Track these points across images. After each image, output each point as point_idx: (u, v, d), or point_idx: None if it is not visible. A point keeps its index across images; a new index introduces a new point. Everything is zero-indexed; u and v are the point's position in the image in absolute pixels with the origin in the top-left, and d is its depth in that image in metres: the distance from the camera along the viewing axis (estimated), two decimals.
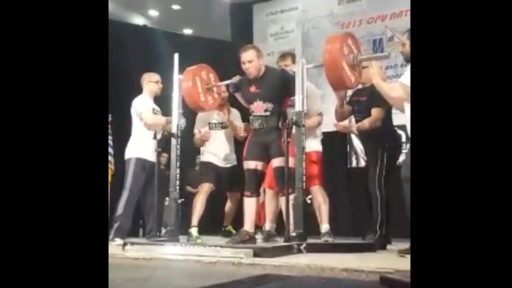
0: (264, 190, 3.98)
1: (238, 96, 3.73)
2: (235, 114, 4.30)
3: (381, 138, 3.47)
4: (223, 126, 4.22)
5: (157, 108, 4.20)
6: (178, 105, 3.79)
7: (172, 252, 2.93)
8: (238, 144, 4.22)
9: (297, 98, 3.21)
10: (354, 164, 5.35)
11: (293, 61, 3.84)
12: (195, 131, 4.17)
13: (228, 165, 4.24)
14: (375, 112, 3.42)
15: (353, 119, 3.62)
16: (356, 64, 3.19)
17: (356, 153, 5.33)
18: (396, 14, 5.25)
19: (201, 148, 4.28)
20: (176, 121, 3.73)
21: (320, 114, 3.77)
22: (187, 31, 6.22)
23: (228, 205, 4.39)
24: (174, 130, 3.71)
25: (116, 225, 3.93)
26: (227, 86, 3.81)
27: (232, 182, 4.21)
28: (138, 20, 5.94)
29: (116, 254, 3.03)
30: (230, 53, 5.89)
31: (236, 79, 3.67)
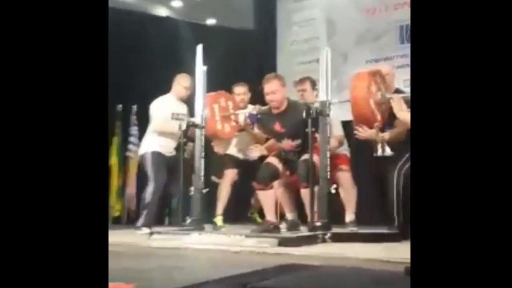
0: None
1: (257, 127, 3.64)
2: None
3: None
4: (240, 129, 4.04)
5: (180, 111, 3.90)
6: (202, 96, 3.79)
7: (197, 241, 2.97)
8: None
9: (321, 87, 3.18)
10: (380, 152, 5.28)
11: (313, 86, 3.75)
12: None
13: (249, 159, 4.13)
14: (398, 123, 3.22)
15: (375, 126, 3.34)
16: (383, 102, 3.11)
17: (382, 142, 5.26)
18: None
19: None
20: (201, 111, 3.74)
21: (341, 136, 3.74)
22: (210, 21, 6.22)
23: (255, 198, 4.33)
24: (198, 120, 3.72)
25: (144, 214, 3.99)
26: (247, 118, 3.68)
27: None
28: (161, 11, 5.97)
29: (142, 243, 3.10)
30: (253, 42, 5.88)
31: (255, 110, 3.59)
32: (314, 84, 3.76)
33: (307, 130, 3.17)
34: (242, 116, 3.87)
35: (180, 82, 4.10)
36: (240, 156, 4.18)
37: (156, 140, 4.03)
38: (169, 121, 3.74)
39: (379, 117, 3.12)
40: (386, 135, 3.29)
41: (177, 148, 3.94)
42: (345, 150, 3.91)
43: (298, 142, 3.37)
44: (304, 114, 3.17)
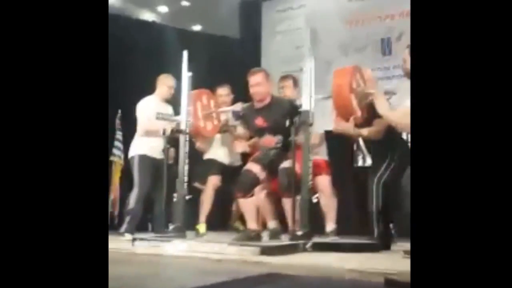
0: None
1: (239, 124, 3.65)
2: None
3: (391, 148, 3.30)
4: (224, 129, 4.09)
5: (165, 111, 4.04)
6: (186, 102, 3.80)
7: (179, 248, 2.97)
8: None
9: (304, 97, 3.22)
10: (360, 163, 5.36)
11: (295, 84, 3.78)
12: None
13: (233, 164, 4.20)
14: (377, 122, 3.23)
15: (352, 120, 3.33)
16: (363, 98, 3.12)
17: (362, 152, 5.34)
18: (405, 13, 5.23)
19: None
20: (185, 117, 3.75)
21: (323, 133, 3.78)
22: (196, 28, 6.24)
23: (236, 205, 4.36)
24: (182, 126, 3.73)
25: (127, 220, 3.98)
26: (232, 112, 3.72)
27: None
28: (147, 16, 5.96)
29: (124, 249, 3.09)
30: (238, 50, 5.91)
31: (238, 106, 3.62)
32: (296, 82, 3.79)
33: (287, 124, 3.17)
34: (224, 115, 3.90)
35: (164, 82, 4.17)
36: (224, 161, 4.19)
37: (144, 141, 4.05)
38: (154, 121, 3.82)
39: (359, 112, 3.13)
40: (364, 131, 3.28)
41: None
42: (324, 155, 3.91)
43: (279, 137, 3.35)
44: (286, 110, 3.23)
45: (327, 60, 5.20)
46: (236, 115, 3.60)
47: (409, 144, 3.39)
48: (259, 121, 3.40)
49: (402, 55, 3.10)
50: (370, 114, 3.19)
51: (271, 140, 3.37)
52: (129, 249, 3.11)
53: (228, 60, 5.54)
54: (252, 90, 3.39)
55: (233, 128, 3.94)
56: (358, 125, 3.25)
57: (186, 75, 3.81)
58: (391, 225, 3.39)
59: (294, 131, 3.19)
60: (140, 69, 5.07)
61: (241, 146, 3.79)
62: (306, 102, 3.20)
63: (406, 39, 5.07)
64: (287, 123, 3.25)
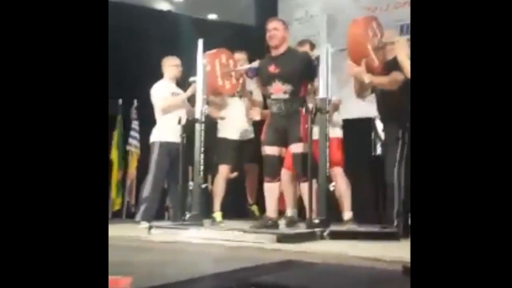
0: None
1: (256, 81, 3.68)
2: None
3: (402, 118, 3.14)
4: (240, 95, 4.10)
5: (178, 91, 4.23)
6: (202, 90, 3.79)
7: (196, 236, 2.98)
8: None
9: (322, 84, 3.18)
10: (379, 151, 5.30)
11: (311, 48, 3.78)
12: (210, 99, 4.04)
13: (246, 138, 4.15)
14: (394, 74, 3.13)
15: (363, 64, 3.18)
16: (380, 47, 3.14)
17: (381, 140, 5.27)
18: None
19: (218, 123, 4.19)
20: (200, 106, 3.74)
21: (338, 99, 3.71)
22: (212, 16, 6.21)
23: (248, 180, 4.35)
24: (198, 115, 3.73)
25: (142, 208, 4.01)
26: (246, 72, 3.75)
27: (250, 156, 4.14)
28: (162, 5, 5.95)
29: (141, 237, 3.11)
30: (254, 38, 5.87)
31: (255, 64, 3.64)
32: (313, 46, 3.81)
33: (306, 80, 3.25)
34: (241, 80, 3.88)
35: (169, 63, 4.27)
36: (236, 137, 4.12)
37: (166, 126, 4.06)
38: (171, 97, 4.08)
39: (376, 62, 3.10)
40: (379, 79, 3.16)
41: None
42: (339, 134, 3.82)
43: (288, 87, 3.32)
44: (300, 61, 3.32)
45: (344, 47, 5.13)
46: (253, 73, 3.60)
47: None
48: (272, 68, 3.40)
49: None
50: (387, 67, 3.16)
51: (280, 88, 3.33)
52: (146, 237, 3.12)
53: (245, 49, 5.51)
54: (268, 35, 3.41)
55: (249, 94, 3.97)
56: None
57: (201, 63, 3.81)
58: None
59: (310, 118, 3.14)
60: (156, 58, 5.08)
61: (256, 113, 3.84)
62: (323, 89, 3.16)
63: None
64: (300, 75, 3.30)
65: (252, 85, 3.95)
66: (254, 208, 4.36)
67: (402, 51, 2.95)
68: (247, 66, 3.82)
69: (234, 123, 4.13)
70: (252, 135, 4.22)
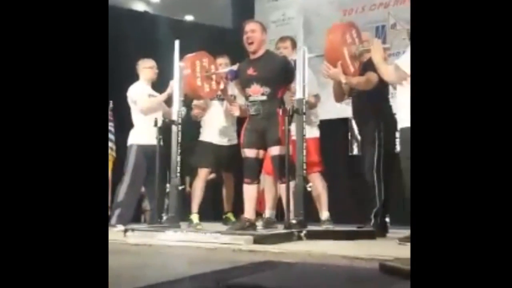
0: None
1: (235, 84, 3.67)
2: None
3: (378, 120, 3.31)
4: (221, 98, 4.07)
5: (154, 93, 4.21)
6: (178, 92, 3.76)
7: (173, 238, 2.94)
8: (239, 120, 4.04)
9: (298, 86, 3.18)
10: (355, 151, 5.35)
11: (293, 46, 3.76)
12: (194, 103, 4.08)
13: (228, 144, 4.12)
14: (369, 74, 3.22)
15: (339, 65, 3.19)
16: (357, 55, 3.16)
17: (357, 141, 5.33)
18: (399, 1, 5.20)
19: (201, 126, 4.19)
20: (177, 108, 3.72)
21: (316, 96, 3.73)
22: (189, 18, 6.18)
23: (225, 189, 4.32)
24: (174, 117, 3.70)
25: (117, 212, 3.95)
26: (226, 75, 3.73)
27: (229, 163, 4.12)
28: (139, 6, 5.90)
29: (117, 240, 3.05)
30: (231, 40, 5.86)
31: (235, 67, 3.64)
32: (294, 44, 3.74)
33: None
34: (223, 84, 3.84)
35: (144, 65, 4.27)
36: (219, 142, 4.10)
37: (143, 127, 4.02)
38: (149, 99, 4.08)
39: (352, 68, 3.13)
40: (355, 79, 3.23)
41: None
42: (316, 133, 3.82)
43: (266, 89, 3.32)
44: (278, 64, 3.33)
45: (320, 49, 5.17)
46: (232, 75, 3.58)
47: (396, 116, 3.21)
48: (250, 70, 3.40)
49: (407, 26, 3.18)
50: (363, 67, 3.22)
51: (258, 90, 3.34)
52: (121, 240, 3.07)
53: (221, 50, 5.49)
54: (246, 36, 3.39)
55: (232, 98, 3.95)
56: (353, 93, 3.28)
57: (177, 65, 3.79)
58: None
59: (287, 120, 3.15)
60: (132, 60, 5.02)
61: (236, 109, 3.75)
62: (299, 90, 3.17)
63: (401, 27, 5.05)
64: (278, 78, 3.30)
65: (236, 90, 3.92)
66: (230, 215, 4.33)
67: (377, 54, 2.98)
68: (227, 69, 3.80)
69: (214, 127, 4.11)
70: (235, 141, 4.12)
